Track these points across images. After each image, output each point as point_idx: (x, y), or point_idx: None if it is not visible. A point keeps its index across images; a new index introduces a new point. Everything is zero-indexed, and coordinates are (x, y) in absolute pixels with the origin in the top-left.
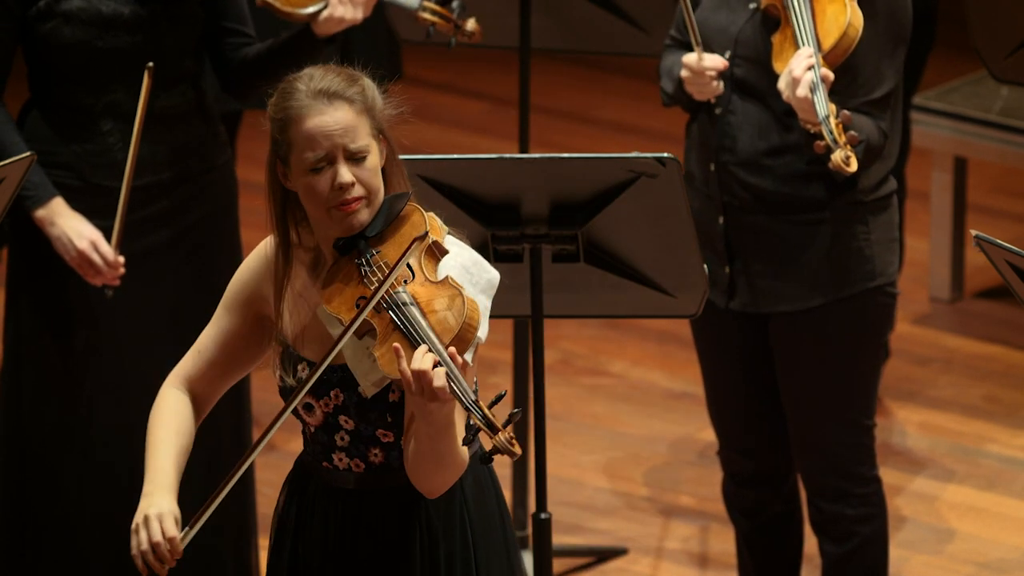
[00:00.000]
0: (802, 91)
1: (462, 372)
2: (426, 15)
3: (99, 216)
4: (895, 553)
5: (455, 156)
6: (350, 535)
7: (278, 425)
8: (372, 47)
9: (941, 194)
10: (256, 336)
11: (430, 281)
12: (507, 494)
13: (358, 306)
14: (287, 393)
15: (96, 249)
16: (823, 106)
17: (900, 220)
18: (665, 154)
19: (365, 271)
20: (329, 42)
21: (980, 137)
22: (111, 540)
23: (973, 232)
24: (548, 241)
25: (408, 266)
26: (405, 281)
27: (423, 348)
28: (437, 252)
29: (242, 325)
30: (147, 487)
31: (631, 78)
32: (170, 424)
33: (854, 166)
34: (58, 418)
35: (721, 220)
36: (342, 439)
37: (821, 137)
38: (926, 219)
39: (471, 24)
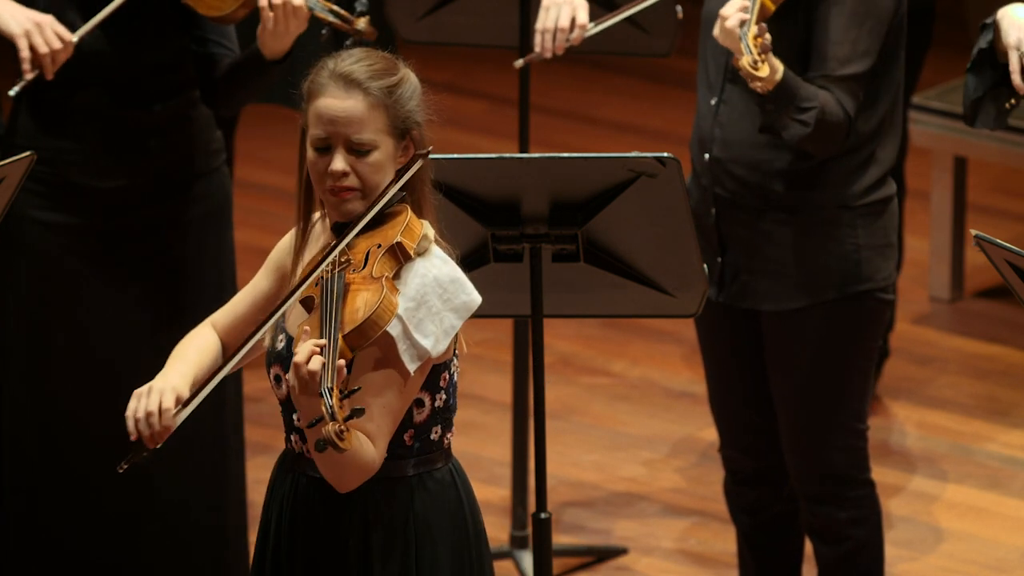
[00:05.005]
0: (730, 24)
1: (349, 368)
2: (322, 15)
3: (75, 214)
4: (894, 553)
5: (455, 156)
6: (299, 521)
7: (246, 347)
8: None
9: (941, 194)
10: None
11: (371, 276)
12: (507, 494)
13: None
14: (267, 358)
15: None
16: (747, 28)
17: (900, 220)
18: (665, 154)
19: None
20: (278, 63)
21: (980, 137)
22: (92, 537)
23: (973, 232)
24: (548, 241)
25: (366, 255)
26: (354, 270)
27: (305, 338)
28: (400, 255)
29: (269, 288)
30: (163, 371)
31: (631, 78)
32: (195, 345)
33: (764, 71)
34: (37, 413)
35: (713, 212)
36: (297, 420)
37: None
38: (926, 219)
39: (362, 23)
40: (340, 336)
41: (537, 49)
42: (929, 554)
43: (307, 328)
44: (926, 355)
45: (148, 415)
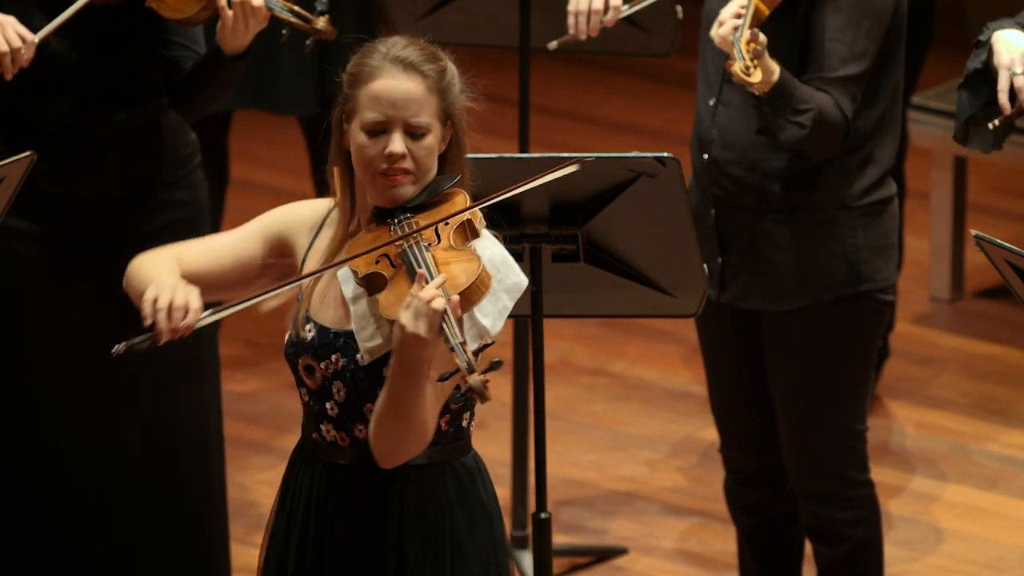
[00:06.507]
0: (724, 30)
1: (459, 324)
2: (282, 14)
3: (42, 222)
4: (894, 553)
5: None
6: (330, 509)
7: (258, 299)
8: (349, 49)
9: (941, 194)
10: (262, 270)
11: (452, 247)
12: (507, 494)
13: (379, 263)
14: (291, 349)
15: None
16: (740, 33)
17: (900, 220)
18: (665, 154)
19: (394, 228)
20: (239, 59)
21: None
22: (66, 544)
23: (973, 232)
24: (548, 241)
25: (436, 232)
26: (428, 244)
27: (432, 282)
28: (469, 232)
29: (257, 253)
30: (160, 278)
31: (631, 78)
32: (160, 258)
33: (756, 76)
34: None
35: (713, 212)
36: (332, 409)
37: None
38: (926, 219)
39: (322, 23)
40: (445, 292)
41: (571, 31)
42: (929, 554)
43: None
44: (926, 355)
45: (173, 308)
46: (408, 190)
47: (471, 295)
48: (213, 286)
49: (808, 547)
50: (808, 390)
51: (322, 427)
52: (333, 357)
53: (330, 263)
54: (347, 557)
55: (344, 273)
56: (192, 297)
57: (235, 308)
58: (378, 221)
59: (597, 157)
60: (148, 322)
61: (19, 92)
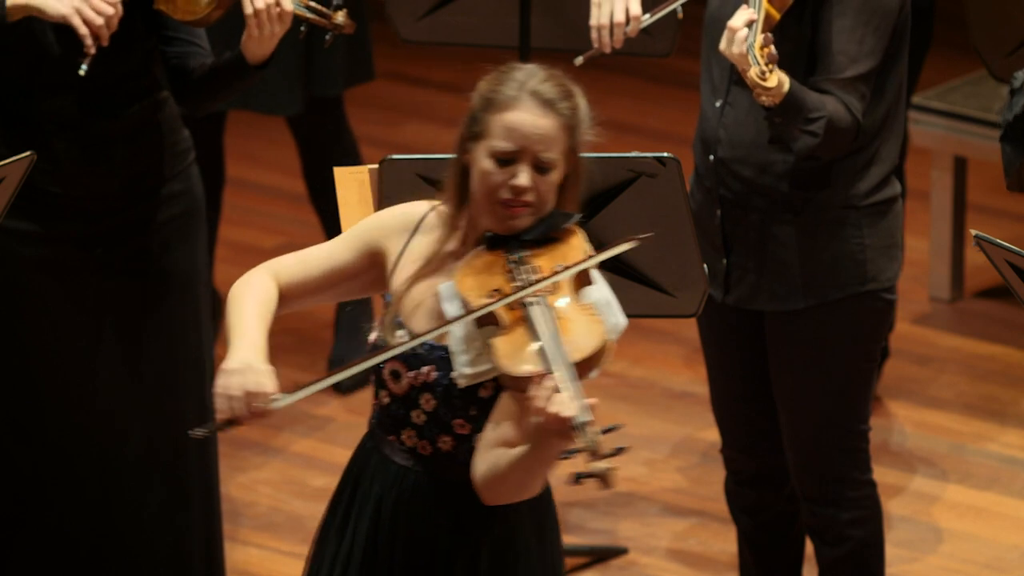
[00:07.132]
0: (736, 46)
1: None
2: (301, 12)
3: (44, 222)
4: (894, 553)
5: (456, 156)
6: (401, 516)
7: (353, 371)
8: (334, 48)
9: (941, 194)
10: (360, 279)
11: (576, 302)
12: None
13: (491, 297)
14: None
15: None
16: (753, 38)
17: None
18: (665, 154)
19: (512, 267)
20: (261, 68)
21: (980, 137)
22: (71, 536)
23: (973, 232)
24: None
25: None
26: (547, 294)
27: (567, 393)
28: (585, 278)
29: (351, 262)
30: (238, 343)
31: (631, 78)
32: (256, 297)
33: (772, 81)
34: (12, 414)
35: (718, 213)
36: (418, 417)
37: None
38: (926, 219)
39: (341, 17)
40: (574, 367)
41: (596, 45)
42: (929, 554)
43: (544, 372)
44: (926, 355)
45: (248, 395)
46: (524, 221)
47: (593, 362)
48: (306, 294)
49: (809, 547)
50: (811, 390)
51: (403, 433)
52: (425, 368)
53: (448, 321)
54: (418, 561)
55: (448, 290)
56: (264, 381)
57: (312, 389)
58: (490, 247)
59: (597, 157)
60: (222, 413)
61: (21, 91)
